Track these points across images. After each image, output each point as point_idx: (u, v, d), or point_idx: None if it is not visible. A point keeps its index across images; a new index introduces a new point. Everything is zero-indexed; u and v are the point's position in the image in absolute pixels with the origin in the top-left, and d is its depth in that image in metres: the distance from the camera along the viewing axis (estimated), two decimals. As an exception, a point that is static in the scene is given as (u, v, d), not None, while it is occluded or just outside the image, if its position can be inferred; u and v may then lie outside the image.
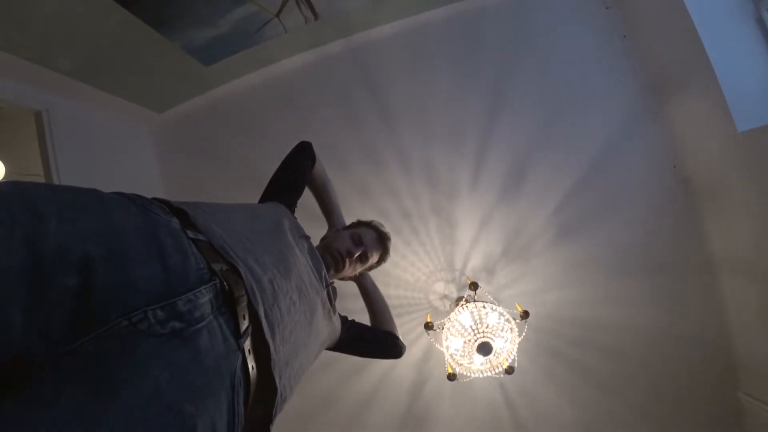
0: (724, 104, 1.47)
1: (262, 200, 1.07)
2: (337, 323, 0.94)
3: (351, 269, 1.09)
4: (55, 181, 1.50)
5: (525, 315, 1.67)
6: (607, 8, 1.88)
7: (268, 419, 0.60)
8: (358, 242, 1.09)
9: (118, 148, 1.95)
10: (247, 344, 0.55)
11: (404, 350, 1.19)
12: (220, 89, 2.06)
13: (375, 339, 1.14)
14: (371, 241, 1.13)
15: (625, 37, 1.87)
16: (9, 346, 0.38)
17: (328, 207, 1.19)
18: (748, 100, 1.46)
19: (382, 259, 1.20)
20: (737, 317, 1.78)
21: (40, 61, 1.45)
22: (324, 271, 0.89)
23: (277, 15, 1.65)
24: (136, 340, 0.43)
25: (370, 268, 1.20)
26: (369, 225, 1.21)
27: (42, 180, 1.52)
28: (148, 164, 2.11)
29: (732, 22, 1.53)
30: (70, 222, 0.45)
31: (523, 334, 1.70)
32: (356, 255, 1.06)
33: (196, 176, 2.11)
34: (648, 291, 1.90)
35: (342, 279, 1.14)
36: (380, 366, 2.02)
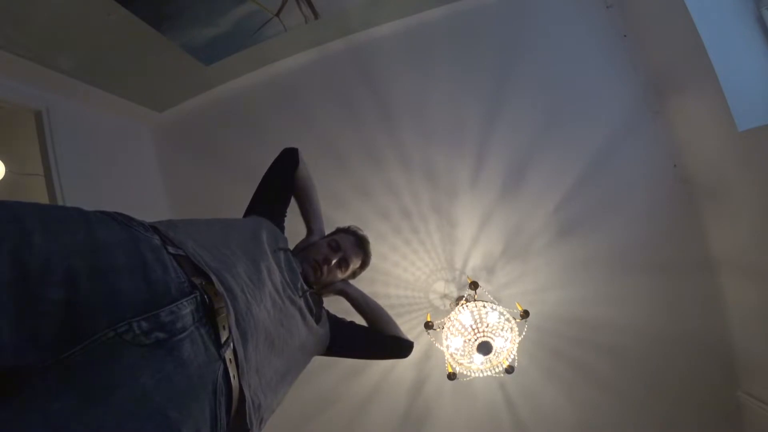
0: (724, 104, 1.47)
1: (248, 212, 1.07)
2: (323, 330, 0.95)
3: (332, 276, 1.10)
4: (55, 181, 1.50)
5: (525, 314, 1.67)
6: (607, 7, 1.88)
7: (246, 429, 0.62)
8: (335, 248, 1.10)
9: (118, 148, 1.95)
10: (228, 354, 0.58)
11: (410, 348, 1.17)
12: (220, 88, 2.06)
13: (374, 342, 1.14)
14: (350, 246, 1.14)
15: (625, 36, 1.86)
16: None
17: (307, 214, 1.19)
18: (748, 100, 1.46)
19: (365, 263, 1.21)
20: (737, 317, 1.78)
21: (40, 61, 1.44)
22: (300, 282, 0.91)
23: (278, 14, 1.64)
24: (122, 350, 0.46)
25: (354, 273, 1.21)
26: (347, 230, 1.22)
27: (42, 180, 1.53)
28: (148, 163, 2.11)
29: (732, 21, 1.53)
30: (54, 237, 0.47)
31: (523, 333, 1.70)
32: (334, 261, 1.08)
33: (196, 175, 2.11)
34: (648, 290, 1.90)
35: (327, 292, 1.13)
36: (380, 366, 2.03)
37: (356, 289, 1.18)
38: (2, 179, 2.15)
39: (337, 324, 1.05)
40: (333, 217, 2.00)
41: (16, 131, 2.07)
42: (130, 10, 1.36)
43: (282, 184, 1.13)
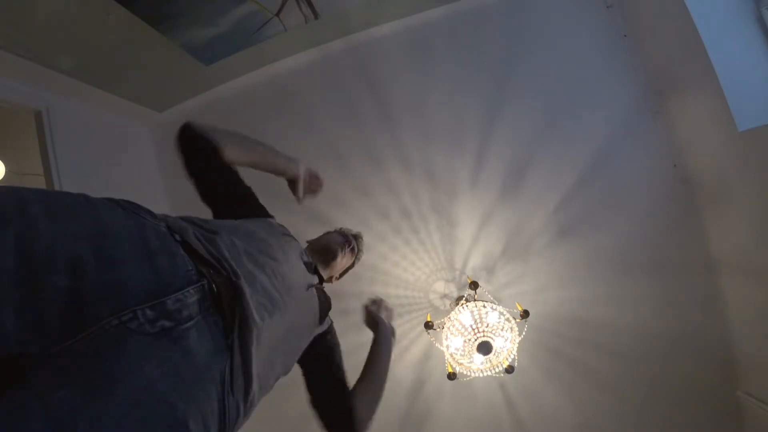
0: (724, 104, 1.47)
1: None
2: (325, 326, 0.95)
3: (345, 263, 1.14)
4: (55, 181, 1.50)
5: (525, 314, 1.67)
6: (607, 7, 1.88)
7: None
8: (344, 236, 1.18)
9: (118, 148, 1.95)
10: (237, 343, 0.57)
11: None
12: (220, 88, 2.06)
13: (329, 381, 0.90)
14: (350, 237, 1.22)
15: (625, 36, 1.86)
16: (1, 344, 0.38)
17: (269, 161, 0.98)
18: (748, 100, 1.46)
19: (358, 257, 1.27)
20: (737, 317, 1.78)
21: (40, 61, 1.44)
22: (313, 273, 0.90)
23: (277, 14, 1.64)
24: (127, 339, 0.44)
25: (352, 266, 1.25)
26: (338, 230, 1.31)
27: (42, 180, 1.53)
28: (148, 163, 2.11)
29: (732, 21, 1.53)
30: (59, 223, 0.46)
31: (523, 333, 1.70)
32: (350, 246, 1.15)
33: (196, 176, 2.11)
34: (648, 290, 1.90)
35: (366, 322, 1.19)
36: (380, 365, 2.03)
37: (388, 336, 1.12)
38: (2, 179, 2.15)
39: (325, 337, 0.96)
40: (333, 217, 2.00)
41: (16, 131, 2.08)
42: (130, 10, 1.36)
43: (223, 178, 0.92)
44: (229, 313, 0.57)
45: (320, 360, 0.92)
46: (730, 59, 1.48)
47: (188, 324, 0.50)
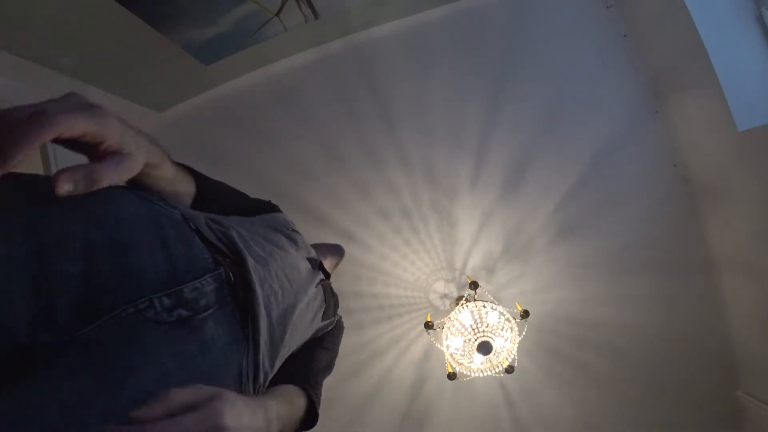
0: (724, 103, 1.47)
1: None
2: (330, 325, 0.94)
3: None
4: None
5: (525, 314, 1.67)
6: (607, 7, 1.88)
7: None
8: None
9: (118, 148, 1.96)
10: (251, 334, 0.56)
11: None
12: (220, 88, 2.06)
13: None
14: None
15: (625, 36, 1.87)
16: (14, 333, 0.37)
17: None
18: (748, 100, 1.47)
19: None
20: (737, 317, 1.78)
21: (40, 61, 1.44)
22: (318, 263, 0.90)
23: (278, 14, 1.64)
24: (142, 328, 0.43)
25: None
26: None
27: (42, 179, 1.53)
28: (148, 164, 2.11)
29: (732, 21, 1.53)
30: (73, 209, 0.44)
31: (523, 333, 1.70)
32: None
33: (196, 176, 2.11)
34: (648, 290, 1.90)
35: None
36: (380, 365, 2.03)
37: None
38: (2, 179, 2.15)
39: (324, 337, 0.99)
40: (333, 217, 2.00)
41: (16, 131, 2.07)
42: (130, 9, 1.36)
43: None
44: (245, 303, 0.56)
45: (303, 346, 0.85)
46: (730, 59, 1.48)
47: (205, 313, 0.49)
